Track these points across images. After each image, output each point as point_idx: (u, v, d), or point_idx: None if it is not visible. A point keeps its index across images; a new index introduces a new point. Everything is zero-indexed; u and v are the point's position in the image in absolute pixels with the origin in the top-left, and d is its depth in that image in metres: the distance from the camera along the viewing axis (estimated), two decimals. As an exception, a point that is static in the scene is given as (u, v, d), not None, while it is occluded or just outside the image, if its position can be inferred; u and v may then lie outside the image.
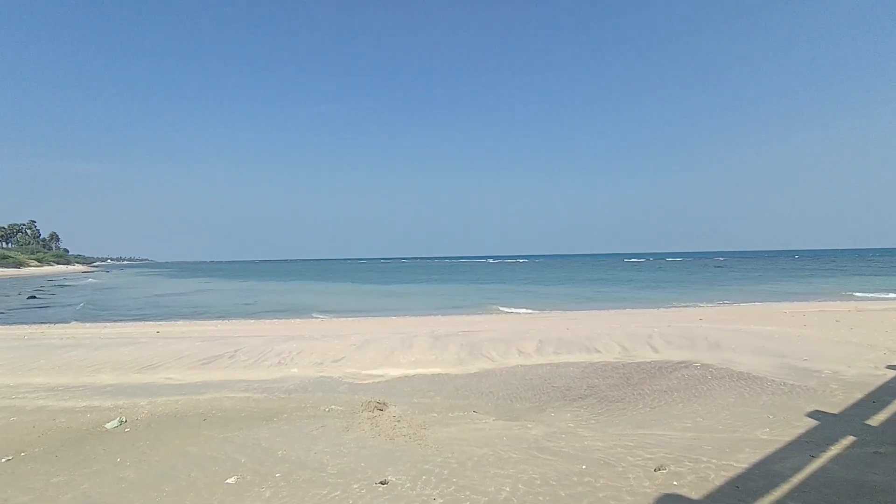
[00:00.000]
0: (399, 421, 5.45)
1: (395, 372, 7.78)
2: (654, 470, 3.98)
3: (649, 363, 7.99)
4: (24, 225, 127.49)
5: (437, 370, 7.88)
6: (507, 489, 3.76)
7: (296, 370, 7.91)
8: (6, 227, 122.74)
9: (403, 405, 6.06)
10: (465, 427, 5.29)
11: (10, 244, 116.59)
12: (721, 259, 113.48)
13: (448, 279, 52.94)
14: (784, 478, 3.74)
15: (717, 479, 3.76)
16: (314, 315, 19.01)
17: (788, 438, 4.65)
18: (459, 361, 8.40)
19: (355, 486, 3.90)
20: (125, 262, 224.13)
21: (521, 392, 6.67)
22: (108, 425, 5.56)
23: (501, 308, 21.45)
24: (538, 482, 3.86)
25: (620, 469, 4.03)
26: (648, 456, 4.29)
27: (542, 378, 7.35)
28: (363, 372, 7.78)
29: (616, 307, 20.84)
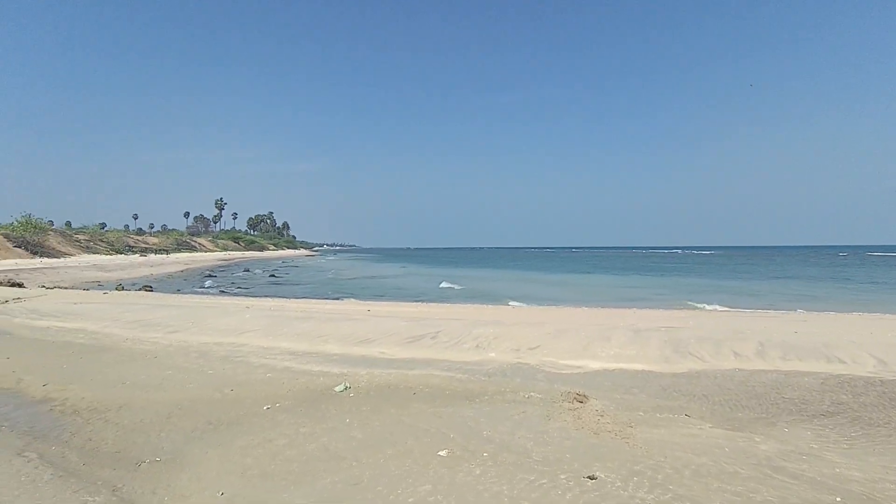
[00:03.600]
0: (602, 416, 5.25)
1: (594, 364, 7.52)
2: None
3: (922, 382, 6.38)
4: (265, 216, 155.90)
5: (639, 366, 7.40)
6: (737, 508, 3.34)
7: (493, 354, 8.18)
8: (253, 217, 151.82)
9: (605, 400, 5.83)
10: (677, 431, 4.86)
11: (255, 232, 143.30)
12: (843, 254, 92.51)
13: (625, 269, 49.64)
14: None
15: None
16: (510, 302, 19.49)
17: None
18: (664, 359, 7.77)
19: (562, 476, 3.86)
20: (337, 248, 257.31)
21: (742, 399, 5.88)
22: (337, 389, 6.41)
23: (694, 304, 19.35)
24: (776, 507, 3.35)
25: (892, 509, 3.29)
26: (934, 499, 3.42)
27: (768, 386, 6.39)
28: (560, 361, 7.69)
29: (850, 309, 17.17)
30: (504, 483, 3.78)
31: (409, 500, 3.54)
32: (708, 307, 18.65)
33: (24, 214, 51.75)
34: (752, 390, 6.24)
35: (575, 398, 5.81)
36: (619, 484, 3.72)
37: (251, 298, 19.91)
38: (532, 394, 6.08)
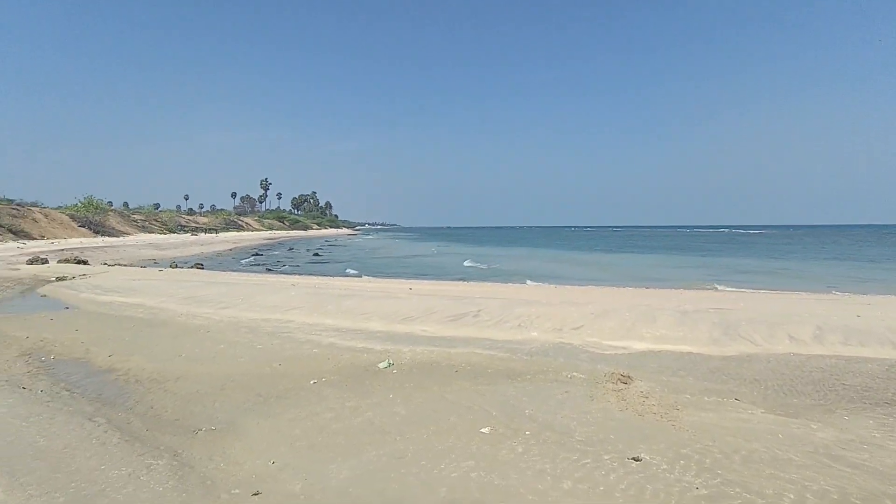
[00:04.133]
0: (647, 397, 5.15)
1: (639, 345, 7.37)
2: None
3: None
4: (308, 195, 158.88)
5: (686, 348, 7.20)
6: (791, 496, 3.22)
7: (535, 334, 8.13)
8: (297, 197, 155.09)
9: (650, 381, 5.71)
10: (726, 415, 4.72)
11: (299, 211, 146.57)
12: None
13: (671, 249, 48.05)
14: None
15: None
16: (548, 282, 19.28)
17: None
18: (713, 341, 7.52)
19: (606, 457, 3.83)
20: (378, 227, 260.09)
21: (798, 385, 5.64)
22: (380, 365, 6.53)
23: (745, 285, 18.53)
24: (834, 496, 3.21)
25: (965, 503, 3.10)
26: None
27: (826, 372, 6.10)
28: (604, 342, 7.57)
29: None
30: (547, 461, 3.78)
31: (453, 475, 3.59)
32: (760, 290, 17.89)
33: (86, 196, 54.81)
34: (808, 376, 5.98)
35: (619, 379, 5.72)
36: (665, 466, 3.65)
37: (296, 276, 20.45)
38: (575, 374, 6.03)
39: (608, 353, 7.07)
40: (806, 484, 3.37)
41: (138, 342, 7.78)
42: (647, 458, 3.79)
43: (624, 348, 7.26)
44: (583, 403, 5.03)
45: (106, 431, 4.41)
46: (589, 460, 3.78)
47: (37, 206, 46.61)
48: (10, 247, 30.52)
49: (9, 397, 5.20)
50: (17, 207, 42.61)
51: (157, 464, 3.80)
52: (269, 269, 26.47)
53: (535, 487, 3.40)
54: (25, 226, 39.85)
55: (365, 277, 21.21)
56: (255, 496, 3.34)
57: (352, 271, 25.77)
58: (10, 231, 37.05)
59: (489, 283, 17.70)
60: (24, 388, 5.58)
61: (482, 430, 4.43)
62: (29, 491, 3.33)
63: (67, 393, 5.49)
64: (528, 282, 19.03)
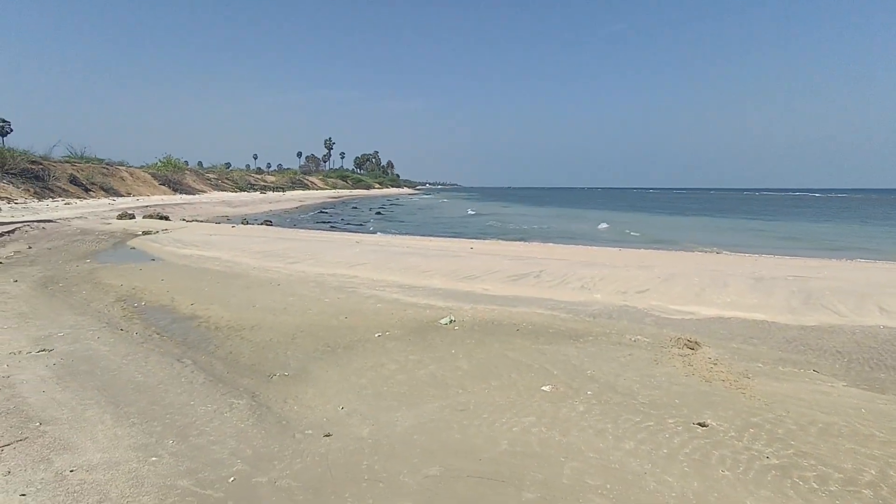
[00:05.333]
0: (715, 364, 4.98)
1: (708, 311, 7.08)
2: None
3: None
4: (370, 155, 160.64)
5: (760, 316, 6.85)
6: (873, 472, 3.06)
7: (599, 296, 7.98)
8: (360, 156, 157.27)
9: (719, 348, 5.50)
10: (802, 386, 4.49)
11: (361, 171, 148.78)
12: None
13: (752, 213, 45.10)
14: None
15: None
16: (613, 244, 18.74)
17: None
18: (790, 310, 7.11)
19: (670, 420, 3.77)
20: (438, 186, 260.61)
21: (887, 359, 5.26)
22: (442, 321, 6.66)
23: (830, 252, 17.16)
24: (923, 475, 3.02)
25: None
26: None
27: (920, 346, 5.64)
28: (670, 306, 7.33)
29: None
30: (608, 421, 3.77)
31: (514, 428, 3.67)
32: (848, 258, 16.58)
33: (165, 155, 58.18)
34: (898, 349, 5.55)
35: (685, 344, 5.56)
36: (733, 434, 3.55)
37: (359, 234, 20.99)
38: (639, 337, 5.90)
39: (674, 317, 6.85)
40: (889, 461, 3.18)
41: (216, 292, 8.32)
42: (714, 424, 3.70)
43: (691, 313, 7.01)
44: (647, 367, 4.94)
45: (192, 372, 4.81)
46: (652, 423, 3.74)
47: (123, 165, 49.92)
48: (103, 203, 33.10)
49: (110, 337, 5.76)
50: (107, 167, 45.84)
51: (239, 403, 4.11)
52: (334, 227, 27.29)
53: (596, 445, 3.42)
54: (114, 183, 42.91)
55: (426, 236, 21.46)
56: (327, 437, 3.56)
57: (412, 230, 26.14)
58: (102, 188, 40.06)
59: (550, 244, 17.42)
60: (121, 329, 6.14)
61: (543, 387, 4.46)
62: (132, 419, 3.71)
63: (158, 336, 5.99)
64: (589, 245, 18.57)
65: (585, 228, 28.10)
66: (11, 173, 31.90)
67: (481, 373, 4.85)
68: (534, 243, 18.04)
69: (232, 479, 2.99)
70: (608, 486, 2.95)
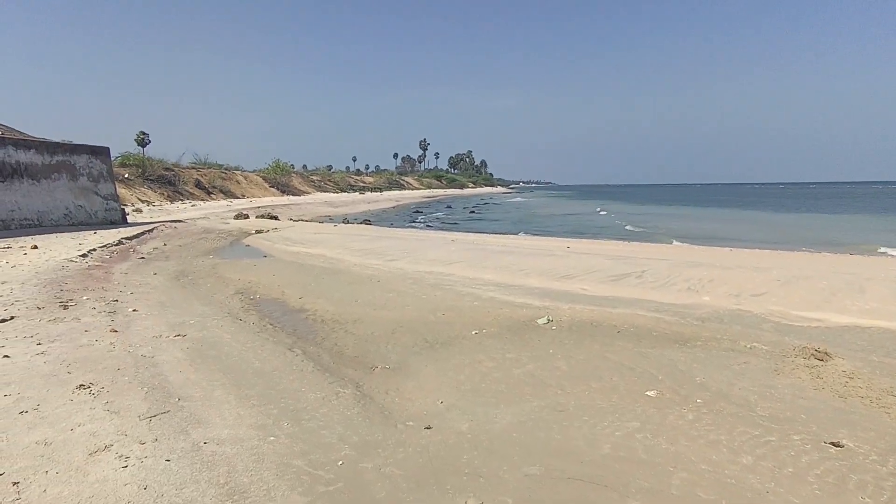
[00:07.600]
0: (851, 378, 4.45)
1: (840, 319, 6.34)
2: None
3: None
4: (464, 154, 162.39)
5: (906, 326, 6.02)
6: None
7: (707, 298, 7.45)
8: (453, 156, 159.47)
9: (855, 361, 4.91)
10: (963, 408, 3.88)
11: (455, 170, 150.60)
12: None
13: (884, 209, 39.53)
14: None
15: None
16: (724, 245, 17.40)
17: None
18: (946, 320, 6.18)
19: (795, 437, 3.43)
20: (533, 185, 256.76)
21: None
22: (539, 321, 6.55)
23: None
24: None
25: None
26: None
27: None
28: (793, 312, 6.66)
29: None
30: (722, 432, 3.51)
31: (616, 433, 3.53)
32: None
33: (274, 160, 62.85)
34: None
35: (813, 354, 5.02)
36: (875, 458, 3.16)
37: (455, 233, 21.28)
38: (756, 344, 5.43)
39: (798, 324, 6.21)
40: None
41: (321, 287, 8.84)
42: (851, 445, 3.31)
43: (819, 321, 6.31)
44: (765, 377, 4.53)
45: (303, 361, 5.15)
46: (774, 438, 3.42)
47: (238, 170, 54.69)
48: (222, 204, 36.62)
49: (231, 326, 6.33)
50: (225, 171, 50.55)
51: (345, 392, 4.34)
52: (429, 226, 27.93)
53: (708, 457, 3.19)
54: (231, 187, 47.22)
55: (521, 235, 21.28)
56: (427, 430, 3.65)
57: (508, 228, 26.04)
58: (221, 191, 44.30)
59: (652, 244, 16.55)
60: (240, 319, 6.73)
61: (647, 392, 4.25)
62: (252, 402, 4.05)
63: (271, 326, 6.49)
64: (695, 244, 17.38)
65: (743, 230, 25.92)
66: (150, 179, 36.40)
67: (581, 374, 4.72)
68: (634, 243, 17.20)
69: (340, 462, 3.16)
70: (724, 502, 2.75)
